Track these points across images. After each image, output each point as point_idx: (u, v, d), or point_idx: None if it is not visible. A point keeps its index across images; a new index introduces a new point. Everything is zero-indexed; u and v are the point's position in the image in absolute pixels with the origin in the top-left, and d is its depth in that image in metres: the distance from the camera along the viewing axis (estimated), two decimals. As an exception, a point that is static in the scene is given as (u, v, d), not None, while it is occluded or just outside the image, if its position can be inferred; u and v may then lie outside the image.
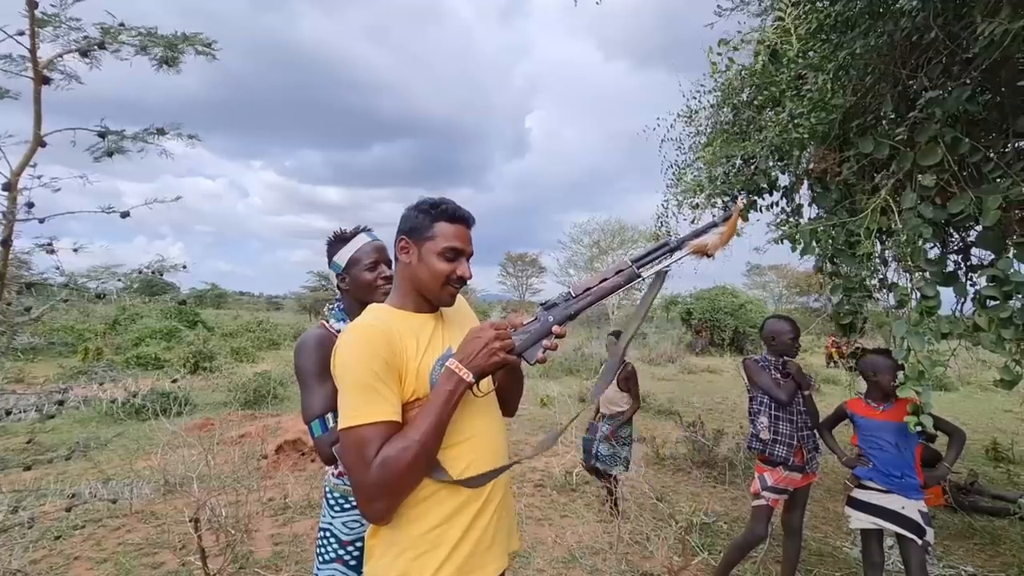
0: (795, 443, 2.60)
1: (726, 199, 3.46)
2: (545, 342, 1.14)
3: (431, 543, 1.09)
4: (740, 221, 3.68)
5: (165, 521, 3.57)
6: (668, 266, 1.15)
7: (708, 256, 1.14)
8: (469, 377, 1.06)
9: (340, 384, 1.07)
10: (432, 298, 1.21)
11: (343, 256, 1.63)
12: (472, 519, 1.13)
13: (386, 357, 1.07)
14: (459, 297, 1.33)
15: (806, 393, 2.69)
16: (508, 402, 1.36)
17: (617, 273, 1.16)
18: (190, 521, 2.79)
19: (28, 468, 2.03)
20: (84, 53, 1.73)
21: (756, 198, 3.54)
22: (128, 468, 4.68)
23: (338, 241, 1.67)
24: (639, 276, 1.15)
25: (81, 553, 3.15)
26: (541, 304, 1.18)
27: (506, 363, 1.10)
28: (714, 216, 1.18)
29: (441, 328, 1.22)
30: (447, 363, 1.08)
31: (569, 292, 1.17)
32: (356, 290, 1.62)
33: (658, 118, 3.56)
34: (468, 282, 1.22)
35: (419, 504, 1.09)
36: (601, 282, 1.16)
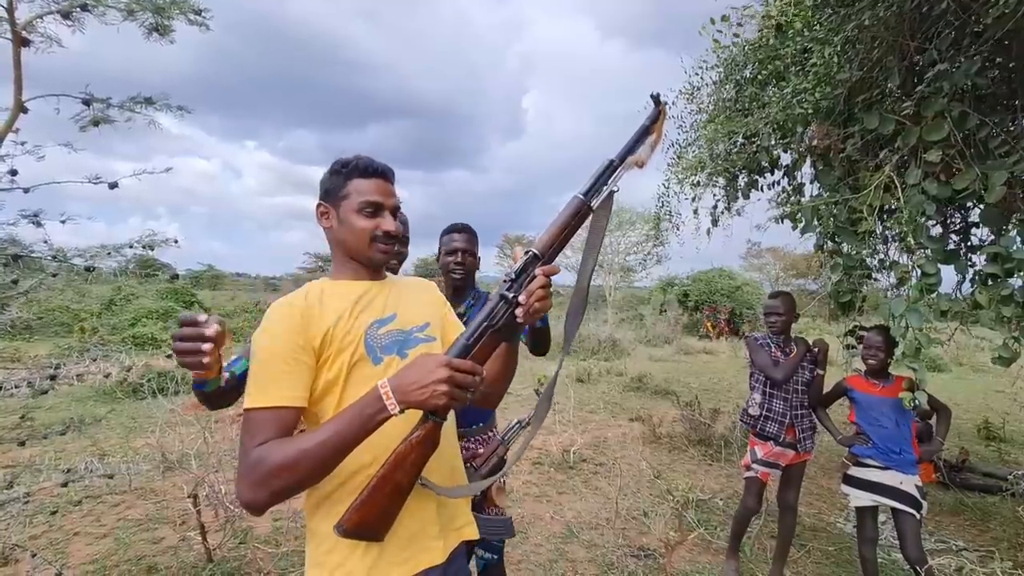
0: (787, 421, 2.61)
1: (727, 175, 3.41)
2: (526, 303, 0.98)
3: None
4: (739, 202, 3.64)
5: (164, 498, 3.59)
6: (615, 187, 1.06)
7: (641, 167, 1.07)
8: (395, 410, 0.93)
9: (251, 359, 1.01)
10: (363, 260, 1.14)
11: None
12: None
13: (296, 337, 1.01)
14: (425, 281, 1.30)
15: (821, 372, 2.68)
16: (495, 391, 1.20)
17: (575, 216, 1.04)
18: (189, 497, 2.80)
19: (22, 444, 2.02)
20: (66, 15, 1.66)
21: (758, 177, 3.50)
22: (126, 446, 4.69)
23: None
24: (592, 210, 1.05)
25: (81, 529, 3.16)
26: (505, 279, 1.01)
27: (448, 407, 0.95)
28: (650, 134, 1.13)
29: (385, 294, 1.16)
30: (378, 384, 0.94)
31: (532, 252, 1.02)
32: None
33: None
34: (397, 238, 1.12)
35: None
36: (563, 232, 1.04)
